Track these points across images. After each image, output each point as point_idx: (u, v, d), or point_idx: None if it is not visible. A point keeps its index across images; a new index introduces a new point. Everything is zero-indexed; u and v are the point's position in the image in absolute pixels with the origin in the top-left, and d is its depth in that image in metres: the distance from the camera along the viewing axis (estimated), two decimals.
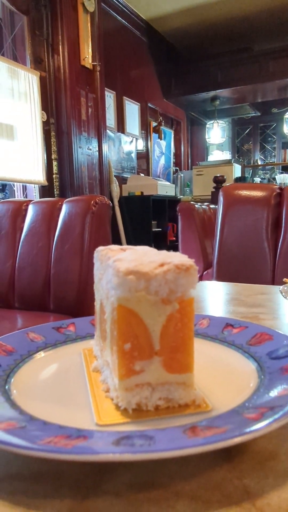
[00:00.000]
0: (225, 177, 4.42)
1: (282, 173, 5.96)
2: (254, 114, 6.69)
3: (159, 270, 0.31)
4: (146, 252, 0.35)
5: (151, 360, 0.32)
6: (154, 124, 5.45)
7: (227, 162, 5.34)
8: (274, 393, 0.32)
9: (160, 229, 4.62)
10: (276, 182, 5.39)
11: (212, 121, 6.17)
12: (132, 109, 4.91)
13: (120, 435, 0.27)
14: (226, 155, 6.48)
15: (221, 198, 1.68)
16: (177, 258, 0.33)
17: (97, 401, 0.34)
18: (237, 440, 0.25)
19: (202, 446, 0.24)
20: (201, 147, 6.82)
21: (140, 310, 0.31)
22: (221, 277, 1.55)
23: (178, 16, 5.05)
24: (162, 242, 4.66)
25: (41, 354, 0.45)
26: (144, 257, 0.33)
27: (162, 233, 4.67)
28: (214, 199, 4.28)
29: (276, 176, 5.65)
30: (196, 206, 3.47)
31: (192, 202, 3.71)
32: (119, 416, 0.31)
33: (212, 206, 3.79)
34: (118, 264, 0.31)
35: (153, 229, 4.44)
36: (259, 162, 6.85)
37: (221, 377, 0.38)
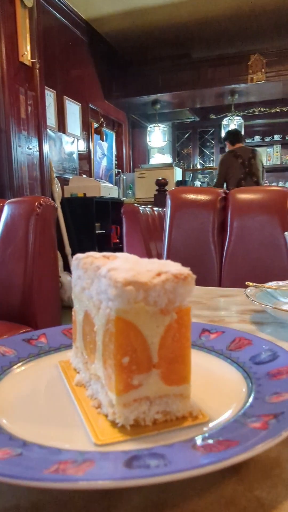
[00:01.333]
0: (167, 180, 4.48)
1: None
2: (193, 119, 6.87)
3: (157, 279, 0.30)
4: (137, 260, 0.34)
5: (149, 373, 0.31)
6: (95, 125, 5.41)
7: (169, 166, 5.43)
8: (269, 399, 0.32)
9: (103, 231, 4.59)
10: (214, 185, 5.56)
11: (153, 125, 6.25)
12: (73, 109, 4.84)
13: (128, 456, 0.26)
14: (167, 159, 6.58)
15: (168, 201, 1.70)
16: (173, 266, 0.32)
17: (90, 419, 0.32)
18: (253, 452, 0.24)
19: (221, 462, 0.23)
20: (143, 149, 6.88)
21: (138, 322, 0.30)
22: None
23: (118, 18, 5.06)
24: (106, 244, 4.63)
25: (16, 369, 0.42)
26: (138, 265, 0.32)
27: (106, 236, 4.65)
28: (157, 202, 4.33)
29: (215, 180, 5.83)
30: (140, 208, 3.49)
31: (136, 205, 3.73)
32: (117, 434, 0.30)
33: (155, 208, 3.82)
34: (114, 274, 0.30)
35: (97, 231, 4.40)
36: (199, 166, 7.03)
37: (209, 385, 0.38)
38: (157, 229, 3.63)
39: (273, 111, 6.24)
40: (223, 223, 1.59)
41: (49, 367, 0.43)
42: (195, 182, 6.29)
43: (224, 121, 5.95)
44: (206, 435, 0.28)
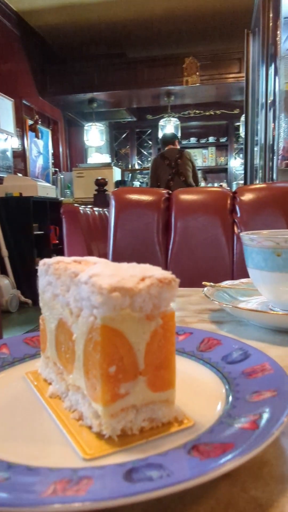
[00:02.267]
0: (106, 180, 4.47)
1: None
2: (130, 119, 6.91)
3: (142, 284, 0.29)
4: (116, 265, 0.33)
5: (135, 380, 0.30)
6: (30, 122, 5.25)
7: (107, 165, 5.42)
8: (250, 398, 0.33)
9: (42, 232, 4.47)
10: None
11: (90, 123, 6.19)
12: (5, 105, 4.66)
13: (125, 468, 0.25)
14: (106, 158, 6.56)
15: (112, 202, 1.69)
16: (155, 270, 0.31)
17: (73, 432, 0.31)
18: (251, 454, 0.24)
19: (224, 467, 0.23)
20: (80, 148, 6.80)
21: (125, 329, 0.29)
22: None
23: (52, 12, 4.95)
24: (45, 245, 4.52)
25: None
26: (120, 271, 0.31)
27: (44, 236, 4.53)
28: (97, 202, 4.30)
29: None
30: (80, 208, 3.44)
31: (76, 205, 3.67)
32: (105, 446, 0.29)
33: (96, 209, 3.79)
34: (98, 280, 0.29)
35: (35, 232, 4.28)
36: (137, 167, 7.08)
37: (187, 387, 0.38)
38: (98, 229, 3.60)
39: (207, 113, 6.45)
40: (167, 224, 1.60)
41: (16, 380, 0.41)
42: (134, 182, 6.33)
43: (161, 122, 6.05)
44: (198, 439, 0.28)
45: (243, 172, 6.33)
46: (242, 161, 6.75)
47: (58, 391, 0.37)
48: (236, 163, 6.80)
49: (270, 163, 2.11)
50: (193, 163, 4.27)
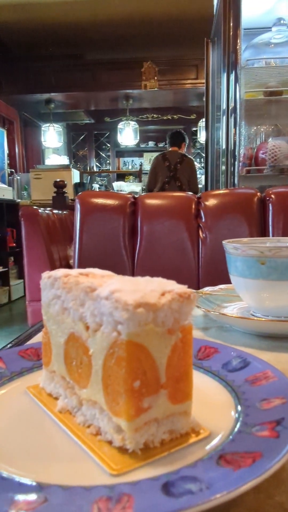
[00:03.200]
0: (65, 182, 4.41)
1: (118, 180, 6.29)
2: (88, 121, 6.86)
3: (164, 299, 0.30)
4: (132, 279, 0.34)
5: (158, 394, 0.30)
6: None
7: (66, 167, 5.35)
8: (261, 406, 0.34)
9: None
10: (113, 189, 5.64)
11: (47, 124, 6.09)
12: None
13: (159, 483, 0.25)
14: (64, 160, 6.47)
15: (77, 206, 1.68)
16: (172, 285, 0.32)
17: (93, 448, 0.31)
18: (282, 461, 0.26)
19: (260, 476, 0.24)
20: (37, 149, 6.66)
21: (148, 344, 0.30)
22: None
23: (8, 9, 4.82)
24: (1, 248, 4.39)
25: None
26: (139, 285, 0.31)
27: (1, 239, 4.40)
28: (56, 204, 4.23)
29: (113, 183, 5.92)
30: (40, 211, 3.38)
31: (35, 207, 3.60)
32: (130, 460, 0.29)
33: (55, 211, 3.74)
34: (122, 296, 0.29)
35: None
36: (95, 169, 7.05)
37: (194, 397, 0.39)
38: (58, 232, 3.54)
39: (165, 118, 6.53)
40: (134, 228, 1.61)
41: (18, 395, 0.40)
42: (93, 185, 6.29)
43: (120, 125, 6.06)
44: (222, 449, 0.29)
45: (200, 176, 6.45)
46: (199, 165, 6.88)
47: (68, 406, 0.36)
48: None
49: (232, 169, 2.17)
50: (194, 171, 4.18)
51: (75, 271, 0.38)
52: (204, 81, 5.58)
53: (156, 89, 5.66)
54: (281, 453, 0.26)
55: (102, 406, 0.32)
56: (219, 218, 1.59)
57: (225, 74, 2.23)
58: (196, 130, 6.29)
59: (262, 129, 2.51)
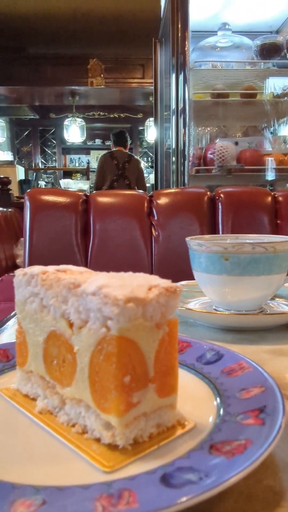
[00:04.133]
0: (10, 178, 4.27)
1: (65, 178, 6.18)
2: (33, 117, 6.68)
3: (152, 294, 0.30)
4: (115, 274, 0.33)
5: (146, 388, 0.31)
6: None
7: (10, 163, 5.18)
8: (241, 395, 0.35)
9: None
10: (60, 187, 5.54)
11: None
12: None
13: (157, 476, 0.25)
14: (7, 156, 6.25)
15: (27, 203, 1.64)
16: (157, 280, 0.32)
17: (81, 446, 0.30)
18: (272, 447, 0.27)
19: (255, 462, 0.25)
20: None
21: (138, 339, 0.30)
22: None
23: None
24: None
25: None
26: (126, 280, 0.31)
27: None
28: (0, 202, 4.08)
29: (60, 181, 5.81)
30: None
31: None
32: (121, 456, 0.29)
33: (1, 209, 3.61)
34: (110, 292, 0.29)
35: None
36: (41, 166, 6.88)
37: None
38: (3, 230, 3.43)
39: (112, 116, 6.52)
40: (86, 226, 1.60)
41: None
42: (39, 182, 6.14)
43: (66, 122, 5.96)
44: (211, 439, 0.29)
45: (147, 175, 6.50)
46: (146, 164, 6.94)
47: (48, 406, 0.35)
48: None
49: (182, 168, 2.21)
50: (142, 170, 4.31)
51: (51, 268, 0.37)
52: (150, 80, 5.62)
53: (102, 86, 5.63)
54: (270, 438, 0.27)
55: (89, 404, 0.31)
56: (171, 216, 1.61)
57: (174, 75, 2.27)
58: (143, 129, 6.33)
59: (208, 130, 2.58)
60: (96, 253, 1.55)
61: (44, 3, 4.68)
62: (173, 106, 2.28)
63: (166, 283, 0.32)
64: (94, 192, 1.65)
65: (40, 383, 0.37)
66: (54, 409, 0.35)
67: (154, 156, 2.90)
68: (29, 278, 0.37)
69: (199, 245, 0.65)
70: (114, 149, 4.22)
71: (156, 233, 1.58)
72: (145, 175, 6.28)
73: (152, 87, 2.96)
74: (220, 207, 1.60)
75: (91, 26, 5.12)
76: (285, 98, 2.44)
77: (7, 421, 0.35)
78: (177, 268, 1.47)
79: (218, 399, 0.36)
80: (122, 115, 6.53)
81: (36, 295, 0.36)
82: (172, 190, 1.75)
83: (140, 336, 0.30)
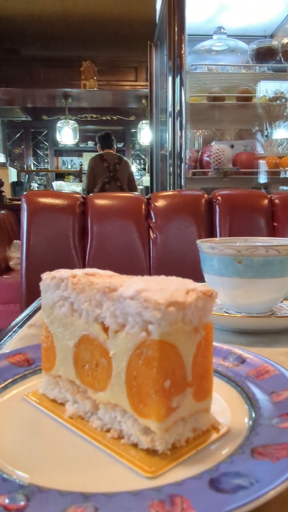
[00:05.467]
0: (2, 180, 4.25)
1: (57, 180, 6.16)
2: (25, 119, 6.64)
3: (190, 298, 0.30)
4: (151, 278, 0.33)
5: (184, 393, 0.30)
6: None
7: (2, 165, 5.14)
8: (272, 399, 0.35)
9: None
10: (53, 189, 5.52)
11: None
12: None
13: (204, 481, 0.25)
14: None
15: (24, 205, 1.63)
16: (192, 284, 0.32)
17: (120, 452, 0.30)
18: None
19: None
20: None
21: (177, 343, 0.29)
22: (31, 286, 1.51)
23: None
24: None
25: None
26: (161, 284, 0.31)
27: None
28: None
29: (53, 183, 5.78)
30: None
31: None
32: (162, 461, 0.29)
33: None
34: (151, 296, 0.29)
35: None
36: (33, 168, 6.84)
37: None
38: None
39: (104, 118, 6.51)
40: (84, 228, 1.59)
41: (17, 403, 0.38)
42: (31, 184, 6.10)
43: (59, 124, 5.93)
44: (251, 443, 0.29)
45: (139, 177, 6.50)
46: (139, 167, 6.94)
47: (79, 411, 0.35)
48: (133, 168, 6.95)
49: (178, 171, 2.22)
50: (131, 173, 4.33)
51: (79, 272, 0.37)
52: (143, 83, 5.63)
53: (95, 89, 5.62)
54: None
55: (125, 409, 0.31)
56: (169, 218, 1.62)
57: (171, 78, 2.27)
58: (136, 131, 6.34)
59: (205, 133, 2.59)
60: (94, 255, 1.54)
61: (37, 4, 4.66)
62: (170, 108, 2.28)
63: (202, 286, 0.32)
64: (91, 194, 1.65)
65: (69, 387, 0.36)
66: (85, 414, 0.35)
67: (149, 159, 2.91)
68: (58, 282, 0.36)
69: (211, 248, 0.65)
70: (102, 151, 4.23)
71: (154, 235, 1.58)
72: (137, 177, 6.29)
73: (145, 90, 2.97)
74: (217, 209, 1.61)
75: (84, 28, 5.11)
76: (277, 101, 2.46)
77: (37, 427, 0.34)
78: (175, 270, 1.46)
79: (249, 402, 0.36)
80: (114, 117, 6.53)
81: (66, 299, 0.36)
82: (170, 193, 1.76)
83: (179, 340, 0.30)
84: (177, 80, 2.25)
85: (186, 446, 0.31)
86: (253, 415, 0.34)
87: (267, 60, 2.36)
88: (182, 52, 2.28)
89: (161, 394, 0.29)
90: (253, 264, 0.62)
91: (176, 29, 2.28)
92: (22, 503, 0.23)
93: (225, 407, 0.36)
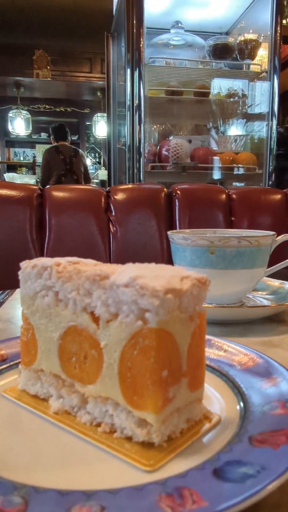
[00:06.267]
0: None
1: (9, 172, 5.95)
2: None
3: (186, 285, 0.29)
4: (142, 265, 0.32)
5: (180, 383, 0.30)
6: None
7: None
8: (260, 387, 0.35)
9: None
10: (5, 180, 5.32)
11: None
12: None
13: (207, 471, 0.25)
14: None
15: None
16: (185, 271, 0.31)
17: (114, 446, 0.29)
18: None
19: None
20: None
21: (174, 331, 0.29)
22: None
23: None
24: None
25: None
26: (154, 271, 0.30)
27: None
28: None
29: (5, 175, 5.58)
30: None
31: None
32: (159, 454, 0.28)
33: None
34: (147, 282, 0.27)
35: None
36: None
37: None
38: None
39: (58, 110, 6.35)
40: (42, 221, 1.55)
41: None
42: None
43: (10, 114, 5.73)
44: (247, 431, 0.29)
45: (94, 171, 6.41)
46: (94, 160, 6.85)
47: (65, 406, 0.33)
48: (88, 162, 6.84)
49: (137, 165, 2.21)
50: (86, 165, 4.27)
51: (63, 260, 0.35)
52: (98, 75, 5.55)
53: (48, 79, 5.48)
54: None
55: (118, 401, 0.30)
56: (129, 212, 1.61)
57: (129, 71, 2.25)
58: (90, 124, 6.24)
59: (160, 128, 2.59)
60: (52, 249, 1.51)
61: None
62: (128, 102, 2.26)
63: (196, 274, 0.31)
64: (48, 186, 1.61)
65: (53, 382, 0.34)
66: (72, 408, 0.33)
67: (107, 153, 2.87)
68: (40, 270, 0.34)
69: (184, 239, 0.64)
70: (57, 143, 4.14)
71: (114, 228, 1.57)
72: (92, 171, 6.21)
73: (101, 82, 2.94)
74: (177, 203, 1.62)
75: (38, 16, 4.96)
76: (231, 99, 2.51)
77: (20, 424, 0.32)
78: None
79: (236, 391, 0.36)
80: (68, 109, 6.39)
81: (50, 288, 0.34)
82: (130, 186, 1.74)
83: (176, 329, 0.29)
84: (136, 73, 2.24)
85: (181, 437, 0.30)
86: (242, 403, 0.34)
87: (224, 57, 2.40)
88: (141, 45, 2.27)
89: (158, 385, 0.28)
90: (226, 255, 0.62)
91: (134, 21, 2.26)
92: (20, 505, 0.22)
93: (213, 396, 0.36)
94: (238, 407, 0.33)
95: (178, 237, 0.66)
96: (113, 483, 0.24)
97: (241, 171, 2.40)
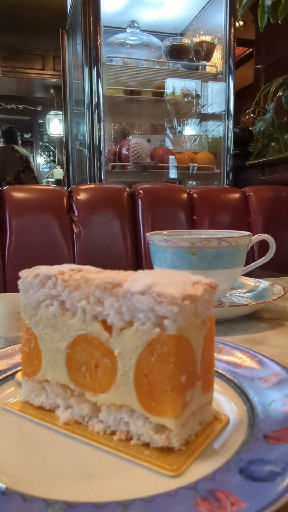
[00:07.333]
0: None
1: None
2: None
3: (199, 291, 0.30)
4: (149, 272, 0.32)
5: (195, 386, 0.30)
6: None
7: None
8: (263, 384, 0.37)
9: None
10: None
11: None
12: None
13: (233, 472, 0.25)
14: None
15: None
16: (193, 276, 0.32)
17: (134, 454, 0.29)
18: None
19: None
20: None
21: (191, 337, 0.29)
22: None
23: None
24: None
25: None
26: (167, 277, 0.30)
27: None
28: None
29: None
30: None
31: None
32: (180, 458, 0.28)
33: None
34: (164, 290, 0.28)
35: None
36: None
37: None
38: None
39: (9, 107, 6.17)
40: (1, 222, 1.51)
41: None
42: None
43: None
44: (261, 429, 0.30)
45: (48, 170, 6.29)
46: (48, 159, 6.72)
47: (74, 416, 0.33)
48: (41, 160, 6.73)
49: (98, 164, 2.19)
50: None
51: (65, 267, 0.34)
52: (51, 72, 5.44)
53: None
54: None
55: (134, 408, 0.30)
56: (92, 212, 1.60)
57: (87, 69, 2.23)
58: (44, 122, 6.12)
59: (116, 127, 2.59)
60: (13, 251, 1.47)
61: None
62: (87, 100, 2.24)
63: (204, 278, 0.31)
64: (7, 187, 1.57)
65: (60, 392, 0.34)
66: (82, 418, 0.33)
67: (65, 151, 2.83)
68: (43, 280, 0.33)
69: (165, 241, 0.65)
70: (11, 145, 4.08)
71: (77, 229, 1.55)
72: (46, 170, 6.10)
73: (54, 79, 2.89)
74: (140, 203, 1.63)
75: None
76: (185, 99, 2.55)
77: (31, 437, 0.31)
78: (100, 264, 1.45)
79: (239, 390, 0.37)
80: (20, 106, 6.22)
81: (55, 298, 0.33)
82: (92, 186, 1.73)
83: (192, 334, 0.29)
84: (94, 71, 2.22)
85: (196, 439, 0.30)
86: (247, 402, 0.35)
87: (180, 57, 2.43)
88: (98, 43, 2.25)
89: (177, 390, 0.28)
90: (206, 256, 0.63)
91: (91, 19, 2.24)
92: None
93: (219, 396, 0.37)
94: (244, 407, 0.34)
95: (159, 239, 0.66)
96: (143, 490, 0.25)
97: (200, 170, 2.45)
